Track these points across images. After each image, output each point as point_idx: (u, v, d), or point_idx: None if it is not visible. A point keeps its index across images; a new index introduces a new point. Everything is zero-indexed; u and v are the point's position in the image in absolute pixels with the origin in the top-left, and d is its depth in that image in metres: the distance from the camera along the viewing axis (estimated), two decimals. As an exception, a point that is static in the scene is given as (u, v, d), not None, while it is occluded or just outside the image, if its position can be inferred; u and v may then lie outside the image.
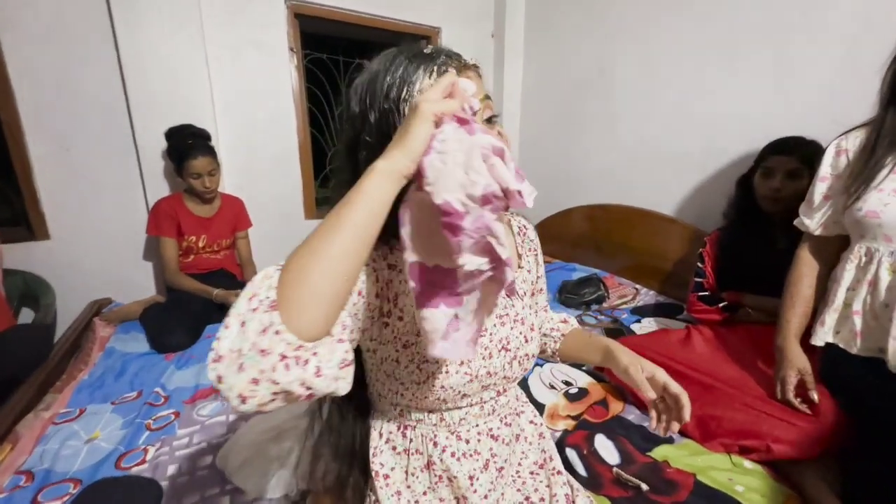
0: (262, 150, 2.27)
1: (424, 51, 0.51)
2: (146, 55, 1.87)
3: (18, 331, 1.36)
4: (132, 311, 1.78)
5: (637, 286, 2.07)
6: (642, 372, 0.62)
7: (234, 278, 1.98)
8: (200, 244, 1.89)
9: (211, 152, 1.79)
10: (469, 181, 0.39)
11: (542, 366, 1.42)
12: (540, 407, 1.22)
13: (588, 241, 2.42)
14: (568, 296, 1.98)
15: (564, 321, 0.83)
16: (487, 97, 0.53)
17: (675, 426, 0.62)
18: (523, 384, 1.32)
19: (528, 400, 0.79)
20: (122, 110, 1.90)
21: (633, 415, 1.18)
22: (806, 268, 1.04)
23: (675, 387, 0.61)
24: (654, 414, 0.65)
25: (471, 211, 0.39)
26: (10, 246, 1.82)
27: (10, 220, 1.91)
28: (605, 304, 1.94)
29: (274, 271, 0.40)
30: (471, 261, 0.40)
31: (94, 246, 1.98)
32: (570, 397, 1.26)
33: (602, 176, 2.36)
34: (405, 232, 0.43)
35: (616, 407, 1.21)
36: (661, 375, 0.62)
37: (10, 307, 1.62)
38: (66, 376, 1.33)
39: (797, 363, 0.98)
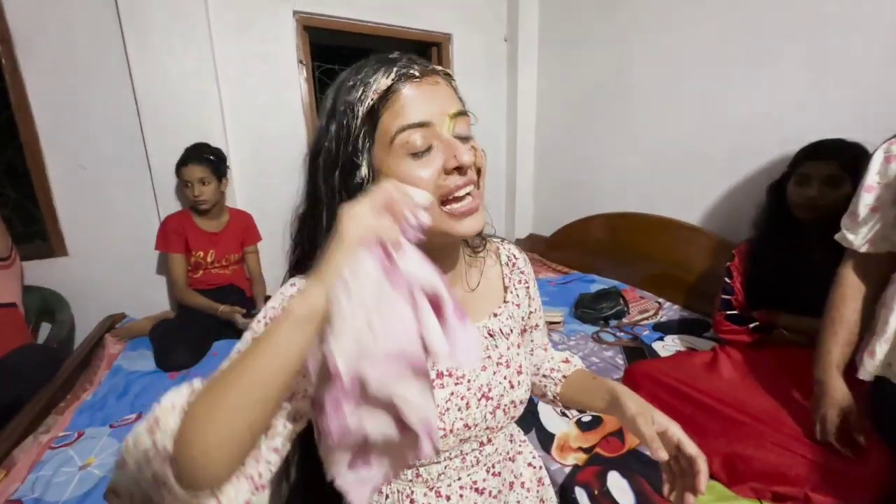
0: (272, 163, 2.27)
1: (389, 56, 0.47)
2: (157, 76, 1.89)
3: (25, 351, 1.38)
4: (143, 327, 1.79)
5: (659, 300, 1.95)
6: (653, 425, 0.52)
7: (242, 293, 1.97)
8: (209, 259, 1.89)
9: (205, 162, 1.79)
10: (370, 335, 0.31)
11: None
12: (549, 437, 1.14)
13: (607, 252, 2.30)
14: (584, 310, 1.87)
15: (566, 361, 0.74)
16: (461, 113, 0.47)
17: (690, 499, 0.52)
18: (532, 410, 1.24)
19: (525, 439, 0.71)
20: (135, 130, 1.93)
21: (651, 449, 1.07)
22: (850, 289, 0.92)
23: (690, 447, 0.51)
24: (666, 477, 0.55)
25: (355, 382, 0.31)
26: (31, 263, 1.87)
27: (32, 236, 1.97)
28: (624, 320, 1.83)
29: (183, 399, 0.36)
30: (370, 428, 0.32)
31: (110, 262, 2.02)
32: (583, 426, 1.17)
33: (621, 183, 2.25)
34: (311, 366, 0.36)
35: (633, 439, 1.11)
36: (676, 431, 0.52)
37: (27, 324, 1.66)
38: (71, 396, 1.34)
39: (840, 400, 0.86)
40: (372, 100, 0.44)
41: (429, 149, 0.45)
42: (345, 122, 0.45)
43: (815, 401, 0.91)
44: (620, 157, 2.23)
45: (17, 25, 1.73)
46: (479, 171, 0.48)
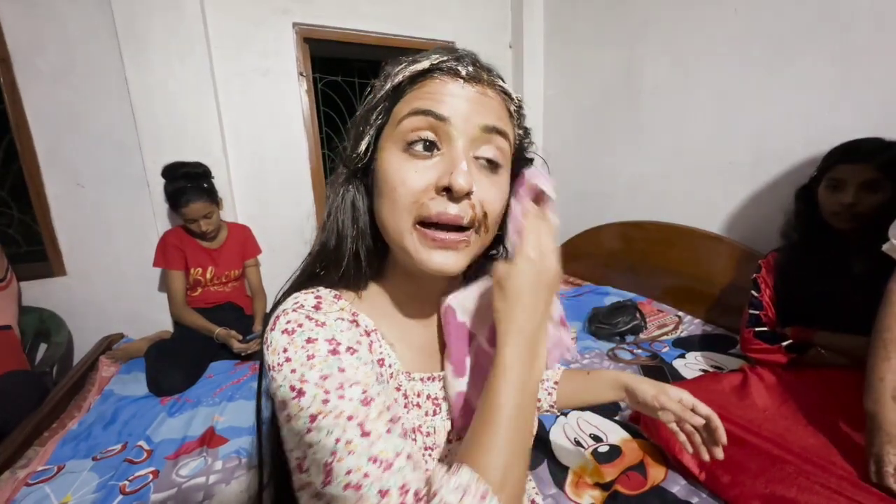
0: (273, 177, 2.23)
1: (459, 49, 0.42)
2: (155, 91, 1.87)
3: (10, 378, 1.32)
4: (139, 347, 1.74)
5: (679, 313, 1.83)
6: (672, 398, 0.62)
7: (241, 311, 1.91)
8: (208, 276, 1.83)
9: (205, 194, 1.70)
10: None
11: (566, 415, 1.22)
12: (563, 470, 1.03)
13: (622, 262, 2.19)
14: (599, 326, 1.76)
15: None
16: (495, 130, 0.40)
17: (718, 452, 0.61)
18: (543, 437, 1.14)
19: (529, 476, 0.64)
20: (133, 147, 1.90)
21: (678, 486, 0.96)
22: (903, 307, 0.81)
23: (703, 408, 0.61)
24: (683, 438, 0.64)
25: None
26: (29, 283, 1.84)
27: (36, 256, 1.94)
28: (642, 336, 1.71)
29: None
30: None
31: (109, 281, 1.98)
32: (600, 457, 1.06)
33: (634, 190, 2.14)
34: None
35: (657, 474, 1.00)
36: (687, 397, 0.62)
37: (22, 349, 1.61)
38: (57, 425, 1.27)
39: (899, 436, 0.75)
40: (403, 76, 0.40)
41: (431, 149, 0.38)
42: (375, 93, 0.43)
43: (868, 437, 0.80)
44: (633, 164, 2.13)
45: (16, 44, 1.72)
46: (485, 216, 0.40)
